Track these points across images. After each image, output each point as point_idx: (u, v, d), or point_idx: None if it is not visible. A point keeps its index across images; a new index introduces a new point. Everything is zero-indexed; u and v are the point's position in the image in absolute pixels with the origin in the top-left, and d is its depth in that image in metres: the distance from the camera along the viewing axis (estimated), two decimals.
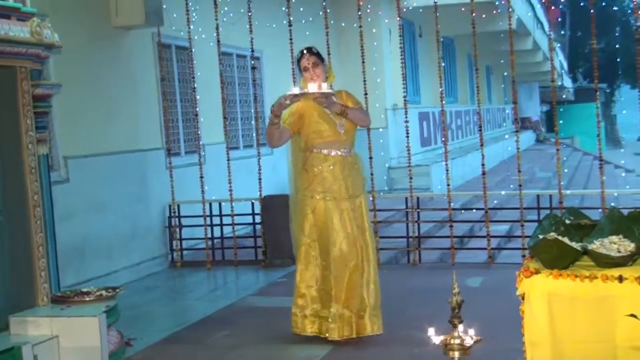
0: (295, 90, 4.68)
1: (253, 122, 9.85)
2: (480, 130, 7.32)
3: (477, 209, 8.87)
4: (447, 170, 7.36)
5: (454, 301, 2.73)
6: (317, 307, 4.86)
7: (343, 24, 11.48)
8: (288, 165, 5.16)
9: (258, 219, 7.85)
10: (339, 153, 4.89)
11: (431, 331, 2.76)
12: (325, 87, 4.68)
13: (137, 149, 7.75)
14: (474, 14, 7.11)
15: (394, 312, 5.35)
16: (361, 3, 7.42)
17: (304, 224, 4.87)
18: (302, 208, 4.91)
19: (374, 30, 12.04)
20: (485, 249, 7.28)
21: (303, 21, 9.30)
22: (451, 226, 7.35)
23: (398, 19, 7.61)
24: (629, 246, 2.98)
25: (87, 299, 4.66)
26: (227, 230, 7.99)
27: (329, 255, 4.79)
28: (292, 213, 5.15)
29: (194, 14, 7.90)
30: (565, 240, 3.05)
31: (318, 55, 4.97)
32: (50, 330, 4.31)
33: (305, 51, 4.96)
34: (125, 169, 7.53)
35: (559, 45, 30.28)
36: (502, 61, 21.09)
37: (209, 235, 7.83)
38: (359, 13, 7.33)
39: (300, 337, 4.90)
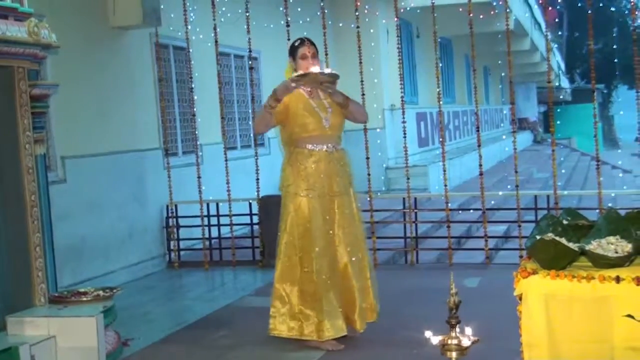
0: (302, 70, 4.59)
1: (251, 123, 9.84)
2: (478, 130, 7.32)
3: (474, 209, 8.88)
4: (445, 171, 7.36)
5: (452, 302, 2.73)
6: (297, 308, 4.79)
7: (341, 25, 11.48)
8: None
9: (256, 219, 7.85)
10: (324, 149, 4.79)
11: (428, 332, 2.76)
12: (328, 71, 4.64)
13: (135, 149, 7.74)
14: (471, 15, 7.12)
15: (391, 313, 5.35)
16: (359, 4, 7.42)
17: (287, 222, 4.78)
18: (285, 205, 4.81)
19: (371, 31, 12.05)
20: (482, 249, 7.28)
21: (301, 22, 9.30)
22: (449, 227, 7.35)
23: (396, 19, 7.61)
24: (626, 247, 2.98)
25: (85, 299, 4.66)
26: (225, 230, 7.99)
27: (310, 254, 4.71)
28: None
29: (192, 14, 7.89)
30: (563, 240, 3.05)
31: (315, 47, 4.96)
32: (48, 331, 4.30)
33: (305, 40, 4.91)
34: (123, 169, 7.52)
35: (556, 45, 30.31)
36: (499, 62, 21.10)
37: (207, 236, 7.83)
38: (357, 14, 7.33)
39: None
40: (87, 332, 4.28)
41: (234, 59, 9.98)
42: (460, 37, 16.61)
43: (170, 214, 7.96)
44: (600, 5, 28.23)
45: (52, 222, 4.86)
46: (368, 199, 7.39)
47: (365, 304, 4.92)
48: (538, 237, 3.09)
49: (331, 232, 4.77)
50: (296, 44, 4.93)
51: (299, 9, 9.56)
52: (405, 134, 7.44)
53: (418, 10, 12.74)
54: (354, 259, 4.86)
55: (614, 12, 33.69)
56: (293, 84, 4.63)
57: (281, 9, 7.46)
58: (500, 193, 9.00)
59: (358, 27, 7.33)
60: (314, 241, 4.70)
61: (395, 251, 7.78)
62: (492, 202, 9.32)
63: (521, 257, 6.66)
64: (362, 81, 7.33)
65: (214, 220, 7.96)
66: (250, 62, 7.95)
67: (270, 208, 7.57)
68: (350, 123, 5.10)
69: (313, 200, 4.73)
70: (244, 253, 7.83)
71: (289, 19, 7.37)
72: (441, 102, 7.47)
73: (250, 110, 9.88)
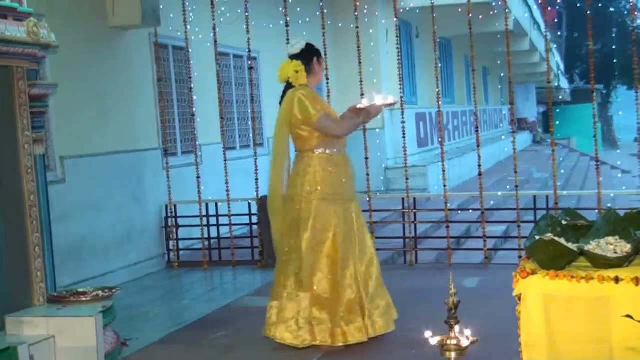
0: (391, 99, 4.80)
1: (250, 123, 9.84)
2: (477, 131, 7.33)
3: (473, 209, 8.89)
4: (444, 171, 7.37)
5: (451, 302, 2.73)
6: (313, 313, 4.74)
7: (340, 25, 11.48)
8: (274, 167, 4.93)
9: (255, 219, 7.84)
10: (339, 152, 4.83)
11: (428, 332, 2.76)
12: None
13: (134, 149, 7.74)
14: (470, 15, 7.12)
15: None
16: (358, 4, 7.42)
17: (307, 227, 4.71)
18: (303, 210, 4.73)
19: (370, 31, 12.05)
20: (482, 249, 7.28)
21: (300, 22, 9.30)
22: (448, 227, 7.35)
23: (395, 19, 7.61)
24: (625, 247, 2.98)
25: (84, 299, 4.65)
26: (224, 230, 7.99)
27: (335, 260, 4.70)
28: (275, 217, 4.94)
29: (191, 14, 7.89)
30: (562, 241, 3.05)
31: None
32: (47, 331, 4.30)
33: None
34: (122, 169, 7.52)
35: (555, 46, 30.31)
36: (499, 62, 21.11)
37: (206, 236, 7.83)
38: (356, 14, 7.33)
39: None
40: (86, 332, 4.28)
41: (233, 59, 9.98)
42: (459, 37, 16.62)
43: (169, 214, 7.96)
44: (600, 5, 28.26)
45: (51, 222, 4.86)
46: (367, 199, 7.39)
47: (382, 304, 4.89)
48: (537, 238, 3.08)
49: (354, 236, 4.78)
50: (320, 54, 5.00)
51: (299, 9, 9.56)
52: (404, 134, 7.44)
53: (417, 11, 12.75)
54: (369, 262, 4.88)
55: (614, 12, 33.72)
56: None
57: (280, 9, 7.46)
58: (500, 193, 9.00)
59: (357, 27, 7.33)
60: (339, 247, 4.70)
61: (394, 251, 7.78)
62: (492, 202, 9.33)
63: (520, 257, 6.66)
64: (361, 81, 7.33)
65: (213, 220, 7.96)
66: (249, 62, 7.94)
67: None
68: None
69: (336, 205, 4.74)
70: (243, 253, 7.83)
71: (288, 19, 7.37)
72: (440, 103, 7.47)
73: (249, 111, 9.87)
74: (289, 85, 4.92)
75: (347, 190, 4.81)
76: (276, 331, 4.77)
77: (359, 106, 4.88)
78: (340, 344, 4.68)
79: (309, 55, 4.92)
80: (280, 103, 4.95)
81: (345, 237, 4.73)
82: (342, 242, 4.71)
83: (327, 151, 4.79)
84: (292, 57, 4.91)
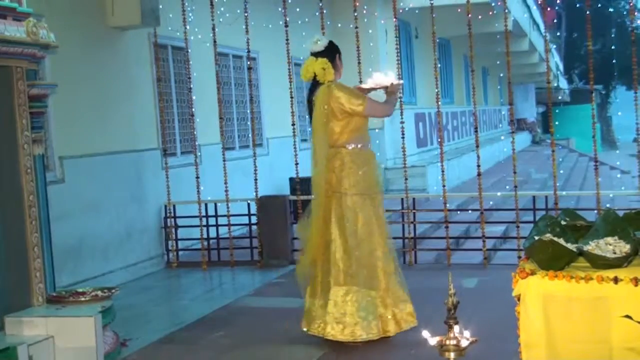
0: (394, 78, 5.04)
1: (249, 123, 9.84)
2: (476, 131, 7.32)
3: (472, 210, 8.88)
4: (443, 171, 7.37)
5: (450, 302, 2.73)
6: (368, 308, 4.75)
7: (339, 25, 11.47)
8: (316, 164, 4.86)
9: (254, 219, 7.84)
10: (367, 147, 4.89)
11: (426, 332, 2.76)
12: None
13: (133, 149, 7.74)
14: (470, 15, 7.12)
15: None
16: (357, 4, 7.42)
17: (351, 224, 4.72)
18: (345, 206, 4.73)
19: (370, 31, 12.05)
20: (481, 250, 7.28)
21: (299, 22, 9.30)
22: (447, 227, 7.35)
23: (394, 19, 7.61)
24: (624, 247, 2.98)
25: (83, 299, 4.65)
26: (223, 230, 7.99)
27: (376, 253, 4.77)
28: (318, 212, 4.83)
29: (190, 15, 7.89)
30: (561, 241, 3.05)
31: None
32: (46, 331, 4.30)
33: None
34: (121, 169, 7.52)
35: (554, 46, 30.33)
36: (498, 62, 21.09)
37: (205, 236, 7.82)
38: (355, 14, 7.33)
39: (296, 337, 4.89)
40: (85, 332, 4.28)
41: (233, 59, 9.97)
42: (458, 38, 16.62)
43: (168, 214, 7.96)
44: (599, 6, 28.30)
45: (50, 222, 4.86)
46: None
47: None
48: (536, 238, 3.08)
49: (385, 230, 4.87)
50: (336, 45, 5.02)
51: (298, 9, 9.56)
52: (403, 134, 7.44)
53: (417, 11, 12.76)
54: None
55: (613, 12, 33.74)
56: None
57: (280, 9, 7.46)
58: (499, 194, 9.00)
59: (357, 27, 7.32)
60: (380, 240, 4.79)
61: None
62: (491, 202, 9.33)
63: (519, 257, 6.66)
64: (360, 82, 7.32)
65: (212, 221, 7.95)
66: (248, 63, 7.95)
67: (268, 208, 7.59)
68: None
69: (369, 199, 4.79)
70: (242, 253, 7.83)
71: (287, 19, 7.37)
72: (440, 103, 7.47)
73: (248, 111, 9.87)
74: (316, 83, 4.90)
75: (377, 184, 4.88)
76: (324, 328, 4.72)
77: (363, 86, 4.96)
78: (398, 331, 4.77)
79: (332, 52, 4.94)
80: (309, 101, 4.96)
81: (382, 230, 4.81)
82: (380, 235, 4.79)
83: (359, 146, 4.83)
84: (316, 54, 4.90)
